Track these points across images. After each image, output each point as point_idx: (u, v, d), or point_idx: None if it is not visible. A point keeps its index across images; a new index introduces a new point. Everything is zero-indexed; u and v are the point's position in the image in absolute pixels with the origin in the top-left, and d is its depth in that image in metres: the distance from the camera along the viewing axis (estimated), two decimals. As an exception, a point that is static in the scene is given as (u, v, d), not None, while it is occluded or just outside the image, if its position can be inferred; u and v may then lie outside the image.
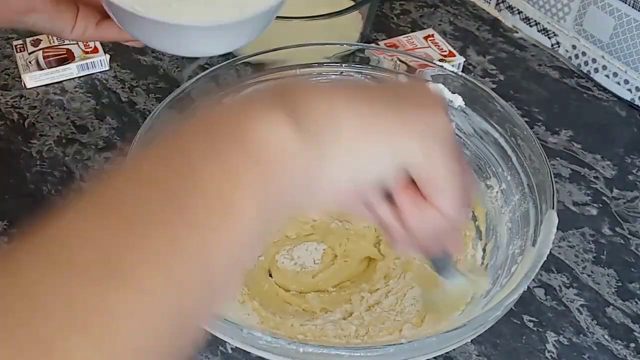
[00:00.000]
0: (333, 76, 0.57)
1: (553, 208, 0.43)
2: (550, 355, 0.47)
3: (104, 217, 0.22)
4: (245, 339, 0.37)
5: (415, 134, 0.26)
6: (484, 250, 0.50)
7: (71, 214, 0.22)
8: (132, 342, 0.20)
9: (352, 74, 0.56)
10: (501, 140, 0.50)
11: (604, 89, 0.71)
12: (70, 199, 0.22)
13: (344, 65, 0.56)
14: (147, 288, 0.20)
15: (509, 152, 0.50)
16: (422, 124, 0.26)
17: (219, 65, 0.52)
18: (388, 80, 0.31)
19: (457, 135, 0.54)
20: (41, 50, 0.69)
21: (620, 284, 0.52)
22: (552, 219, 0.42)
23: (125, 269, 0.20)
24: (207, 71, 0.52)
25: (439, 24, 0.79)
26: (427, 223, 0.28)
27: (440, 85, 0.54)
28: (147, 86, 0.68)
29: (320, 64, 0.56)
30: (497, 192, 0.51)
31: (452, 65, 0.65)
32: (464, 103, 0.53)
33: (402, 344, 0.37)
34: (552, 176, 0.44)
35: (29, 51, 0.69)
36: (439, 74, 0.55)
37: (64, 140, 0.62)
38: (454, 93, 0.53)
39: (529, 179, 0.47)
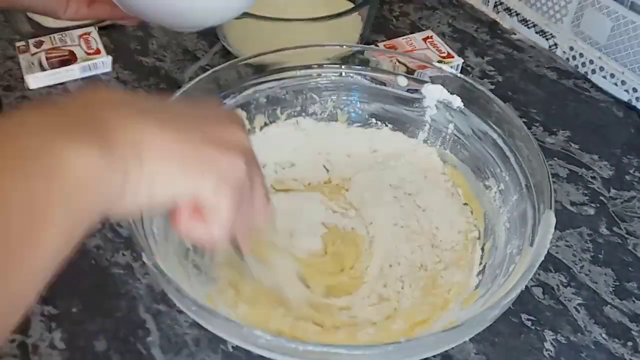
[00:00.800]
0: (333, 77, 0.57)
1: (551, 208, 0.43)
2: (548, 354, 0.48)
3: None
4: (246, 337, 0.37)
5: (211, 174, 0.30)
6: (482, 249, 0.50)
7: None
8: None
9: (352, 75, 0.57)
10: (499, 141, 0.51)
11: (601, 90, 0.71)
12: None
13: (343, 66, 0.57)
14: None
15: (507, 152, 0.50)
16: (219, 166, 0.30)
17: (220, 66, 0.53)
18: (206, 107, 0.34)
19: (456, 136, 0.55)
20: (44, 52, 0.69)
21: (617, 283, 0.53)
22: (550, 219, 0.43)
23: None
24: (208, 72, 0.52)
25: (438, 26, 0.80)
26: (195, 233, 0.33)
27: (439, 86, 0.54)
28: (149, 87, 0.68)
29: (320, 65, 0.57)
30: (495, 192, 0.51)
31: (451, 67, 0.66)
32: (462, 104, 0.53)
33: (400, 342, 0.37)
34: (550, 177, 0.45)
35: (32, 52, 0.69)
36: (438, 75, 0.55)
37: (66, 141, 0.62)
38: (453, 94, 0.54)
39: (527, 179, 0.48)
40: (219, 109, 0.34)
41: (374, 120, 0.58)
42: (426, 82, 0.55)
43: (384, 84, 0.57)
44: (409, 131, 0.57)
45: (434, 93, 0.55)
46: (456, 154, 0.55)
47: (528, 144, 0.48)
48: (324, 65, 0.57)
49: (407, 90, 0.56)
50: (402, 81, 0.56)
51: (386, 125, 0.58)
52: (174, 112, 0.31)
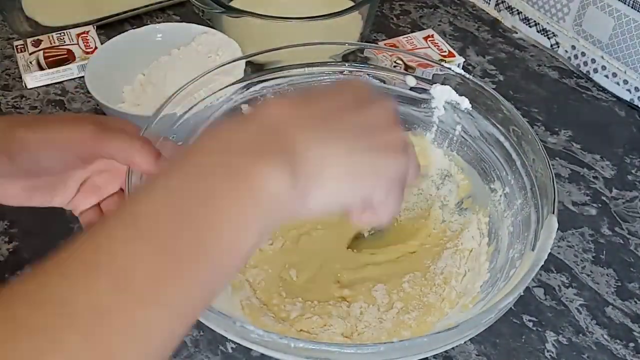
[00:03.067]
0: (342, 76, 0.57)
1: (554, 213, 0.42)
2: (550, 355, 0.47)
3: (138, 245, 0.27)
4: (238, 332, 0.37)
5: (381, 180, 0.34)
6: (485, 253, 0.50)
7: (109, 236, 0.28)
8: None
9: (360, 73, 0.57)
10: (506, 144, 0.50)
11: (603, 89, 0.71)
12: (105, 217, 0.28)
13: (352, 65, 0.57)
14: (168, 303, 0.27)
15: (514, 156, 0.49)
16: (388, 172, 0.34)
17: (220, 65, 0.52)
18: (359, 102, 0.36)
19: (463, 137, 0.54)
20: (42, 51, 0.69)
21: (619, 284, 0.52)
22: (552, 223, 0.42)
23: (161, 293, 0.27)
24: (211, 69, 0.52)
25: (439, 25, 0.79)
26: (368, 222, 0.38)
27: (447, 87, 0.54)
28: (148, 86, 0.68)
29: (328, 63, 0.57)
30: (500, 195, 0.50)
31: (452, 66, 0.65)
32: (470, 106, 0.53)
33: (392, 342, 0.37)
34: (555, 181, 0.44)
35: (30, 51, 0.69)
36: (438, 74, 0.55)
37: (64, 141, 0.62)
38: (461, 95, 0.53)
39: (532, 183, 0.47)
40: (375, 102, 0.37)
41: None
42: (435, 82, 0.54)
43: (393, 84, 0.56)
44: (416, 132, 0.57)
45: (442, 94, 0.54)
46: (463, 155, 0.55)
47: (534, 147, 0.47)
48: (333, 63, 0.57)
49: (416, 91, 0.55)
50: (411, 81, 0.55)
51: None
52: (343, 121, 0.34)
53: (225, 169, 0.30)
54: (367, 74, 0.57)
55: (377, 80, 0.57)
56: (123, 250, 0.27)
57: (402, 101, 0.57)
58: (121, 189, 0.44)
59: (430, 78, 0.55)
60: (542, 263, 0.40)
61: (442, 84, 0.54)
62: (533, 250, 0.42)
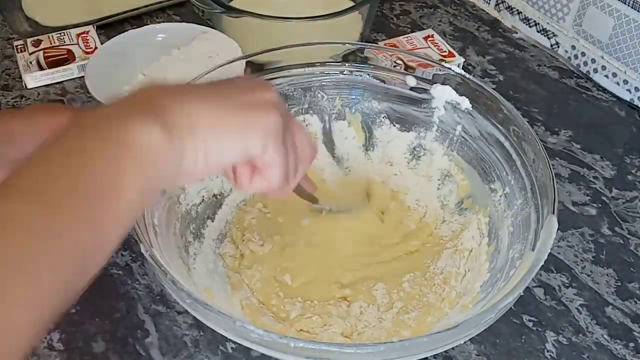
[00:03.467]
0: (342, 75, 0.57)
1: (554, 213, 0.42)
2: (550, 355, 0.47)
3: (26, 198, 0.28)
4: (238, 331, 0.37)
5: (254, 133, 0.35)
6: (486, 253, 0.50)
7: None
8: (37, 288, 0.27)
9: (360, 73, 0.56)
10: (507, 144, 0.50)
11: (603, 89, 0.71)
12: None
13: (352, 65, 0.57)
14: (51, 244, 0.28)
15: (514, 156, 0.49)
16: (259, 124, 0.35)
17: (220, 65, 0.52)
18: (233, 80, 0.39)
19: (463, 137, 0.54)
20: (42, 51, 0.69)
21: (619, 284, 0.52)
22: (552, 224, 0.42)
23: (43, 228, 0.27)
24: (212, 68, 0.52)
25: (439, 25, 0.79)
26: (258, 187, 0.38)
27: (448, 87, 0.54)
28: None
29: (329, 63, 0.57)
30: (500, 195, 0.50)
31: (452, 66, 0.65)
32: (470, 106, 0.53)
33: (392, 342, 0.37)
34: (555, 181, 0.44)
35: (30, 51, 0.69)
36: (438, 74, 0.55)
37: (64, 141, 0.62)
38: (462, 95, 0.53)
39: (532, 183, 0.47)
40: (249, 79, 0.40)
41: (382, 119, 0.58)
42: (435, 82, 0.54)
43: (393, 84, 0.56)
44: (417, 131, 0.57)
45: (442, 94, 0.54)
46: (463, 155, 0.55)
47: (534, 147, 0.47)
48: (333, 64, 0.57)
49: (416, 91, 0.55)
50: (411, 81, 0.55)
51: (394, 125, 0.58)
52: (214, 88, 0.36)
53: (96, 130, 0.31)
54: (368, 74, 0.57)
55: (378, 80, 0.57)
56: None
57: (403, 101, 0.57)
58: None
59: (431, 78, 0.55)
60: (542, 263, 0.40)
61: (442, 84, 0.54)
62: (533, 250, 0.42)
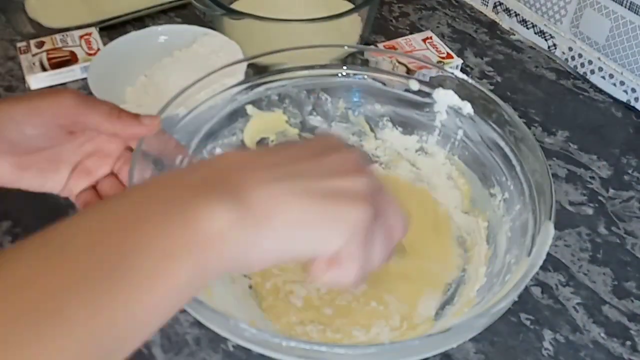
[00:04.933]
0: (346, 78, 0.57)
1: (550, 219, 0.43)
2: (547, 353, 0.48)
3: (54, 261, 0.26)
4: (232, 329, 0.37)
5: (338, 230, 0.31)
6: (483, 257, 0.50)
7: (26, 249, 0.26)
8: None
9: (364, 76, 0.57)
10: (507, 150, 0.50)
11: (600, 90, 0.72)
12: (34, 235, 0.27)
13: (355, 67, 0.57)
14: (80, 329, 0.25)
15: (514, 161, 0.50)
16: (346, 220, 0.31)
17: (220, 67, 0.53)
18: (325, 151, 0.34)
19: (464, 142, 0.55)
20: (45, 52, 0.69)
21: (616, 283, 0.53)
22: (549, 230, 0.42)
23: (65, 313, 0.24)
24: (213, 70, 0.52)
25: (437, 27, 0.80)
26: (332, 281, 0.34)
27: (450, 91, 0.54)
28: (149, 88, 0.68)
29: (323, 66, 0.57)
30: (500, 201, 0.51)
31: (450, 67, 0.66)
32: (472, 111, 0.53)
33: (383, 344, 0.37)
34: (553, 188, 0.44)
35: (33, 53, 0.69)
36: (441, 78, 0.55)
37: (67, 141, 0.62)
38: (464, 100, 0.54)
39: (530, 189, 0.47)
40: (342, 152, 0.34)
41: (385, 122, 0.58)
42: (437, 86, 0.55)
43: (396, 87, 0.56)
44: (419, 135, 0.57)
45: (445, 98, 0.54)
46: (464, 160, 0.55)
47: (534, 153, 0.47)
48: (337, 67, 0.57)
49: (419, 94, 0.56)
50: (414, 85, 0.55)
51: (397, 128, 0.58)
52: (300, 165, 0.32)
53: (162, 199, 0.28)
54: (371, 77, 0.57)
55: (380, 83, 0.57)
56: (29, 262, 0.25)
57: (405, 104, 0.57)
58: (112, 172, 0.46)
59: (428, 80, 0.56)
60: (537, 269, 0.40)
61: (444, 88, 0.54)
62: (529, 255, 0.42)
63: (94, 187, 0.45)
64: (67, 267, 0.25)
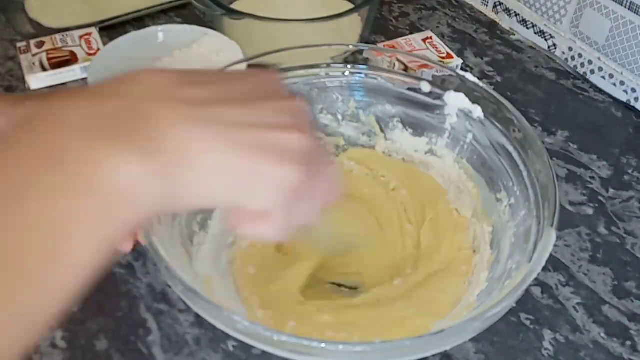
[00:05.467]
0: (357, 78, 0.57)
1: (553, 226, 0.42)
2: (547, 353, 0.48)
3: None
4: (225, 321, 0.37)
5: (263, 189, 0.28)
6: (486, 262, 0.50)
7: None
8: None
9: (376, 77, 0.57)
10: (515, 155, 0.50)
11: (600, 90, 0.72)
12: None
13: (348, 66, 0.57)
14: None
15: (521, 167, 0.49)
16: (273, 179, 0.28)
17: (224, 67, 0.53)
18: (260, 85, 0.30)
19: (473, 146, 0.54)
20: (45, 52, 0.69)
21: (616, 283, 0.53)
22: (551, 236, 0.42)
23: None
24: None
25: (437, 27, 0.80)
26: (250, 235, 0.33)
27: (461, 94, 0.54)
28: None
29: (322, 66, 0.57)
30: (506, 206, 0.50)
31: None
32: (482, 114, 0.53)
33: (374, 343, 0.37)
34: (558, 194, 0.44)
35: (33, 53, 0.69)
36: (437, 75, 0.55)
37: (67, 141, 0.62)
38: (474, 103, 0.54)
39: (536, 195, 0.47)
40: (281, 98, 0.30)
41: (395, 123, 0.58)
42: (449, 89, 0.55)
43: (406, 88, 0.56)
44: (429, 137, 0.57)
45: (455, 101, 0.54)
46: (472, 164, 0.55)
47: (541, 158, 0.47)
48: (326, 66, 0.57)
49: (430, 97, 0.55)
50: (425, 87, 0.55)
51: (407, 130, 0.58)
52: (232, 109, 0.28)
53: (52, 155, 0.24)
54: (385, 78, 0.56)
55: (391, 84, 0.57)
56: None
57: (416, 106, 0.56)
58: None
59: (431, 79, 0.55)
60: (535, 275, 0.40)
61: (455, 91, 0.54)
62: (530, 262, 0.42)
63: None
64: None
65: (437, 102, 0.55)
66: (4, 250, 0.23)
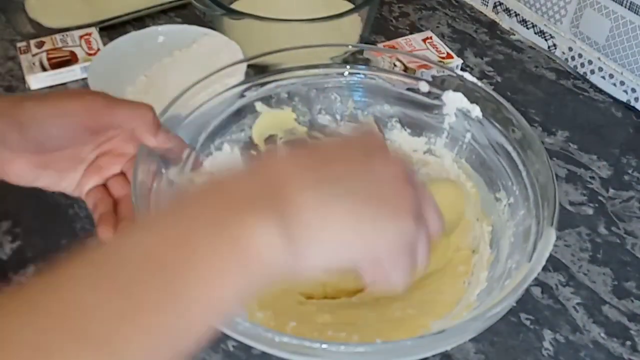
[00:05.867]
0: (356, 78, 0.57)
1: (552, 225, 0.42)
2: (547, 353, 0.48)
3: (102, 286, 0.26)
4: (227, 322, 0.37)
5: (385, 246, 0.32)
6: (485, 261, 0.50)
7: (73, 274, 0.27)
8: None
9: (374, 77, 0.57)
10: (514, 154, 0.50)
11: (600, 90, 0.72)
12: (77, 255, 0.27)
13: (347, 66, 0.57)
14: (140, 346, 0.26)
15: (520, 166, 0.49)
16: (395, 237, 0.32)
17: (221, 68, 0.53)
18: (370, 162, 0.34)
19: (472, 145, 0.55)
20: (45, 52, 0.69)
21: (616, 283, 0.53)
22: (550, 236, 0.42)
23: (114, 340, 0.25)
24: (209, 74, 0.52)
25: (437, 27, 0.80)
26: (378, 289, 0.35)
27: (460, 94, 0.54)
28: (149, 88, 0.68)
29: (321, 66, 0.57)
30: (505, 205, 0.50)
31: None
32: (481, 114, 0.53)
33: (375, 343, 0.37)
34: (557, 194, 0.44)
35: (33, 53, 0.69)
36: (451, 79, 0.55)
37: (67, 141, 0.62)
38: (473, 103, 0.54)
39: (535, 194, 0.47)
40: (386, 157, 0.34)
41: (394, 123, 0.58)
42: (447, 89, 0.55)
43: (405, 89, 0.56)
44: (427, 137, 0.57)
45: (454, 101, 0.54)
46: (471, 163, 0.55)
47: (540, 158, 0.47)
48: (327, 66, 0.57)
49: (428, 96, 0.55)
50: (424, 86, 0.55)
51: (405, 130, 0.58)
52: (349, 181, 0.32)
53: (210, 219, 0.29)
54: (383, 78, 0.57)
55: (389, 84, 0.57)
56: (81, 288, 0.26)
57: (414, 106, 0.56)
58: (122, 172, 0.45)
59: (431, 79, 0.55)
60: (535, 275, 0.40)
61: (453, 91, 0.54)
62: (530, 261, 0.42)
63: (103, 185, 0.45)
64: (122, 293, 0.26)
65: (436, 101, 0.55)
66: (161, 284, 0.27)
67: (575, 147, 0.65)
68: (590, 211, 0.59)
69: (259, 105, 0.56)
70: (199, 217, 0.29)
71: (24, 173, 0.41)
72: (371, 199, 0.32)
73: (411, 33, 0.77)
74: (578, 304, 0.51)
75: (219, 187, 0.31)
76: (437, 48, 0.73)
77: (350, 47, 0.59)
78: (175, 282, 0.27)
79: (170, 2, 0.79)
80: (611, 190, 0.61)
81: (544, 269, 0.53)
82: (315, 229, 0.30)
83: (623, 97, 0.70)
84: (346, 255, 0.32)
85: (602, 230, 0.57)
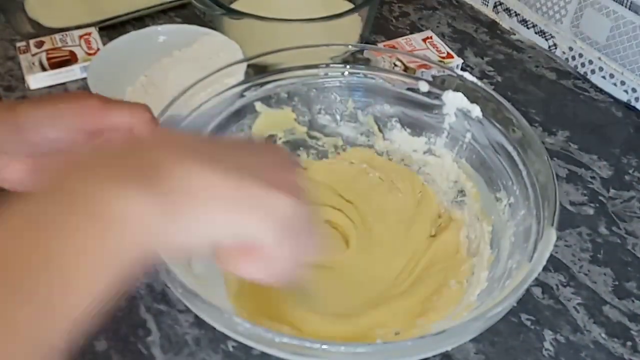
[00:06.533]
0: (356, 78, 0.57)
1: (553, 225, 0.42)
2: (548, 354, 0.48)
3: None
4: (226, 323, 0.37)
5: (255, 213, 0.30)
6: (486, 261, 0.50)
7: None
8: None
9: (374, 77, 0.57)
10: (514, 154, 0.50)
11: (601, 90, 0.72)
12: None
13: (347, 66, 0.57)
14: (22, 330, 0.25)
15: (521, 166, 0.49)
16: (264, 205, 0.31)
17: (221, 67, 0.53)
18: (258, 150, 0.34)
19: (472, 145, 0.55)
20: (45, 52, 0.69)
21: (616, 283, 0.53)
22: (551, 236, 0.42)
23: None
24: (208, 73, 0.52)
25: (438, 26, 0.80)
26: (250, 274, 0.33)
27: (460, 94, 0.54)
28: (149, 88, 0.68)
29: (321, 66, 0.57)
30: (505, 205, 0.50)
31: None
32: (481, 114, 0.53)
33: (375, 344, 0.37)
34: (558, 194, 0.44)
35: (33, 53, 0.69)
36: (450, 79, 0.55)
37: (67, 141, 0.62)
38: (473, 103, 0.53)
39: (535, 194, 0.47)
40: (274, 152, 0.34)
41: (393, 123, 0.58)
42: (447, 89, 0.54)
43: (405, 88, 0.56)
44: (427, 137, 0.57)
45: (454, 100, 0.54)
46: (471, 163, 0.55)
47: (540, 157, 0.47)
48: (326, 66, 0.57)
49: (428, 96, 0.55)
50: (424, 87, 0.55)
51: (405, 130, 0.58)
52: (228, 153, 0.32)
53: (66, 195, 0.27)
54: (383, 78, 0.56)
55: (390, 84, 0.57)
56: None
57: (414, 106, 0.56)
58: None
59: (432, 79, 0.55)
60: (536, 275, 0.39)
61: (453, 91, 0.54)
62: (530, 261, 0.42)
63: None
64: None
65: (436, 101, 0.55)
66: (21, 269, 0.25)
67: (576, 147, 0.65)
68: (591, 211, 0.59)
69: (258, 105, 0.56)
70: (57, 196, 0.28)
71: (22, 178, 0.41)
72: (252, 167, 0.31)
73: (411, 33, 0.77)
74: (579, 304, 0.51)
75: (78, 162, 0.30)
76: (437, 48, 0.72)
77: (350, 47, 0.59)
78: (36, 265, 0.26)
79: (170, 2, 0.79)
80: (612, 190, 0.61)
81: (545, 269, 0.53)
82: (192, 197, 0.29)
83: (623, 97, 0.70)
84: (220, 224, 0.30)
85: (602, 230, 0.57)
